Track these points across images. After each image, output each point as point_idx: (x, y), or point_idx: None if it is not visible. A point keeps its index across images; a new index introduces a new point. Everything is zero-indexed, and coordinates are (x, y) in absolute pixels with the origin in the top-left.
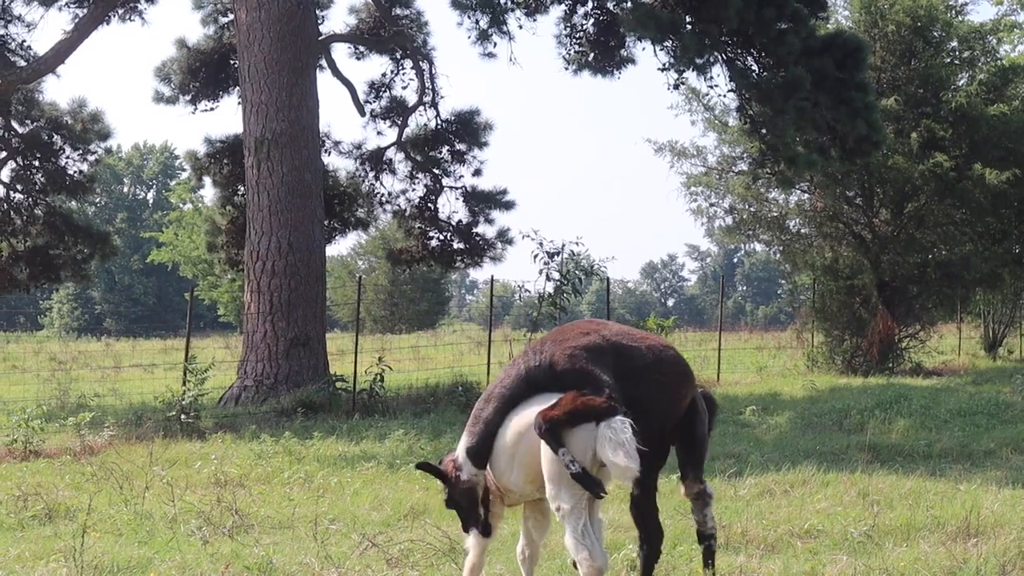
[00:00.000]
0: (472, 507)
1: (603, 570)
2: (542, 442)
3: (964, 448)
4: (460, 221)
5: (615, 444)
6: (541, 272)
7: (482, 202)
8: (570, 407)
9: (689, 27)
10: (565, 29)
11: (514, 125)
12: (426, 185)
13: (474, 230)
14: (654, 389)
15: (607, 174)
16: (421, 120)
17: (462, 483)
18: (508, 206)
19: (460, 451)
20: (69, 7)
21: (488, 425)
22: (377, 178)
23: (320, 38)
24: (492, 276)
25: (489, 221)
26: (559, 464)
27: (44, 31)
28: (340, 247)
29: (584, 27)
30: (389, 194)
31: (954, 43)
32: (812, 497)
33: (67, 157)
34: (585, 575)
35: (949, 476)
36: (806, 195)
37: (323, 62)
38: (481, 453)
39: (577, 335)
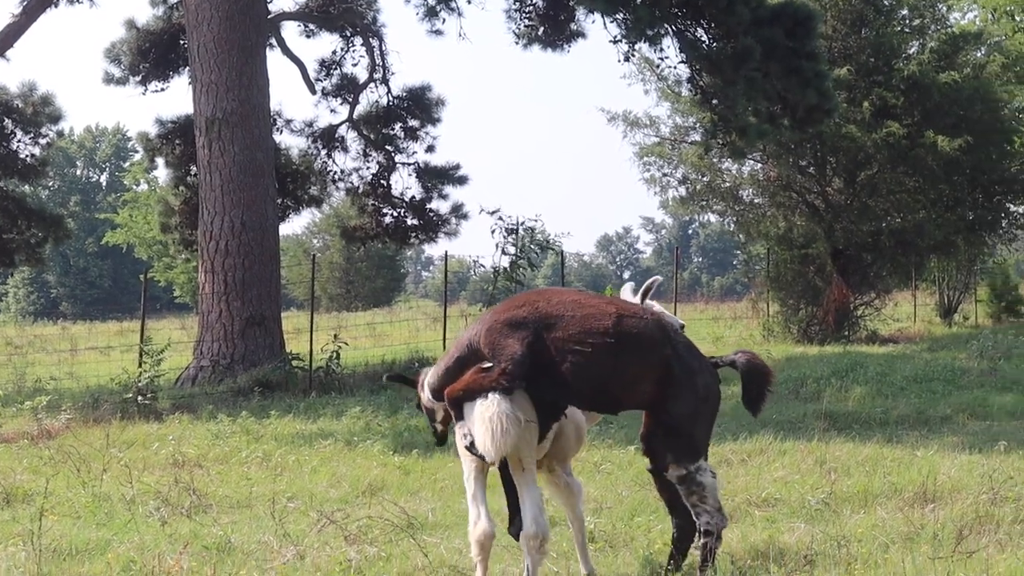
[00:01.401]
0: (431, 422)
1: (486, 536)
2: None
3: (920, 414)
4: (413, 197)
5: (478, 420)
6: (497, 247)
7: (435, 178)
8: (466, 383)
9: None
10: (515, 3)
11: (466, 101)
12: (379, 162)
13: (428, 206)
14: (576, 361)
15: (561, 148)
16: (372, 97)
17: (422, 400)
18: (461, 181)
19: (426, 377)
20: None
21: (440, 372)
22: (329, 156)
23: (269, 16)
24: (447, 252)
25: (443, 197)
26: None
27: None
28: (294, 226)
29: (534, 1)
30: (342, 171)
31: (904, 11)
32: (769, 466)
33: (18, 141)
34: (471, 538)
35: (906, 442)
36: (759, 165)
37: (273, 41)
38: (436, 389)
39: (508, 307)
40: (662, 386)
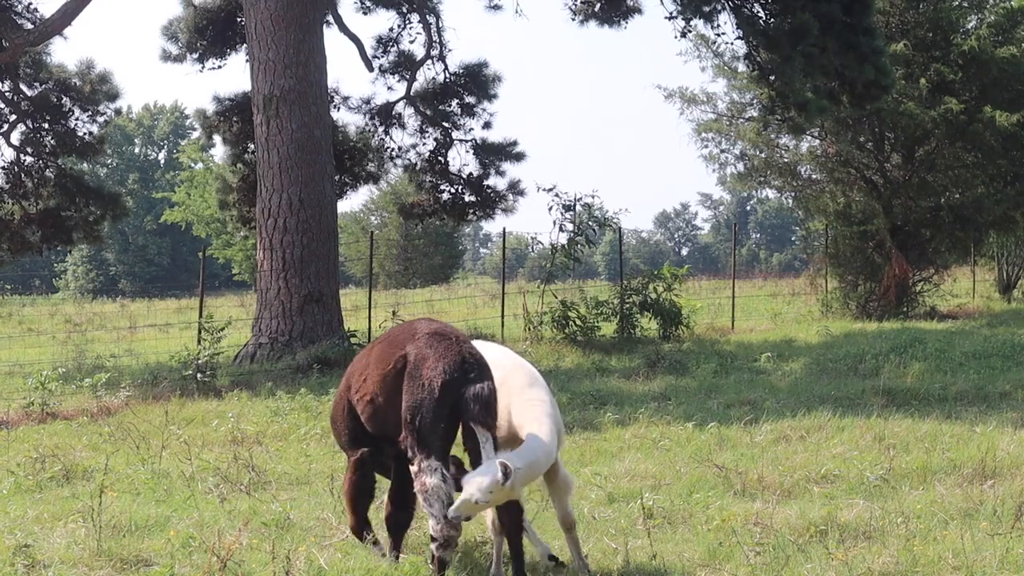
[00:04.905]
0: None
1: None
2: None
3: (979, 390)
4: (471, 174)
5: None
6: (555, 224)
7: (492, 154)
8: None
9: None
10: None
11: (523, 77)
12: (436, 139)
13: (485, 182)
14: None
15: (618, 124)
16: (429, 74)
17: None
18: (518, 158)
19: None
20: None
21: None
22: (387, 133)
23: None
24: (505, 228)
25: (500, 173)
26: None
27: None
28: (352, 202)
29: None
30: (399, 148)
31: None
32: (828, 442)
33: (76, 119)
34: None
35: (964, 419)
36: (817, 141)
37: (330, 18)
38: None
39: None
40: (400, 378)
